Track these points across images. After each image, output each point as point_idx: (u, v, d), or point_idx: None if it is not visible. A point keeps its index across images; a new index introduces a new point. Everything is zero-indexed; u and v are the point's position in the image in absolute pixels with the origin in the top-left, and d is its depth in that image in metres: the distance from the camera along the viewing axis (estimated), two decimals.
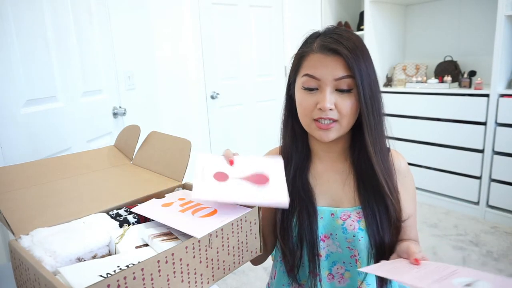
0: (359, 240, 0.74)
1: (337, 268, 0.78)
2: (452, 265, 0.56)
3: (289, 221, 0.78)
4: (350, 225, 0.74)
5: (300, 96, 0.74)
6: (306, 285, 0.79)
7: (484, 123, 2.34)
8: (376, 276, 0.77)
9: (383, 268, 0.60)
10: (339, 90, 0.70)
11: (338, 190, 0.79)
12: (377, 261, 0.75)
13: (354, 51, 0.68)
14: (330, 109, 0.69)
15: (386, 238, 0.74)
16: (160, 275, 0.49)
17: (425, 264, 0.59)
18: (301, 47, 0.76)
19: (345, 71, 0.68)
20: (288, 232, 0.77)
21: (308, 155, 0.82)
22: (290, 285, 0.82)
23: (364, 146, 0.73)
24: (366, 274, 0.76)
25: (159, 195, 0.73)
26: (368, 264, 0.75)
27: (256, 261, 0.86)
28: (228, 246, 0.60)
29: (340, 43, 0.68)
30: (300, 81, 0.74)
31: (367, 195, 0.75)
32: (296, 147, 0.81)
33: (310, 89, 0.71)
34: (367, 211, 0.74)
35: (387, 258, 0.74)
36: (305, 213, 0.76)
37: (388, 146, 0.79)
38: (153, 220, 0.63)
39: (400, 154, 0.82)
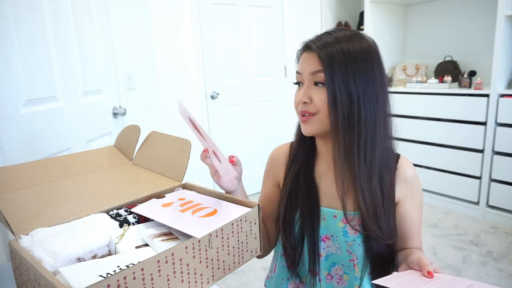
0: (359, 244, 0.74)
1: (336, 270, 0.78)
2: (466, 278, 0.54)
3: (291, 216, 0.79)
4: (351, 229, 0.74)
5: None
6: (306, 282, 0.80)
7: (484, 123, 2.34)
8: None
9: (396, 281, 0.59)
10: (316, 84, 0.72)
11: None
12: (372, 268, 0.75)
13: (332, 47, 0.69)
14: (305, 102, 0.72)
15: (381, 248, 0.74)
16: (160, 275, 0.49)
17: (439, 277, 0.57)
18: None
19: (318, 65, 0.70)
20: (290, 227, 0.78)
21: (314, 153, 0.83)
22: (289, 280, 0.83)
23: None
24: (363, 279, 0.75)
25: (159, 195, 0.73)
26: (364, 270, 0.75)
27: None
28: (228, 246, 0.60)
29: (320, 40, 0.71)
30: None
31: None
32: (304, 144, 0.83)
33: (298, 84, 0.76)
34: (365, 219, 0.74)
35: (383, 268, 0.74)
36: (307, 209, 0.77)
37: (397, 153, 0.79)
38: (153, 220, 0.63)
39: (408, 161, 0.80)
